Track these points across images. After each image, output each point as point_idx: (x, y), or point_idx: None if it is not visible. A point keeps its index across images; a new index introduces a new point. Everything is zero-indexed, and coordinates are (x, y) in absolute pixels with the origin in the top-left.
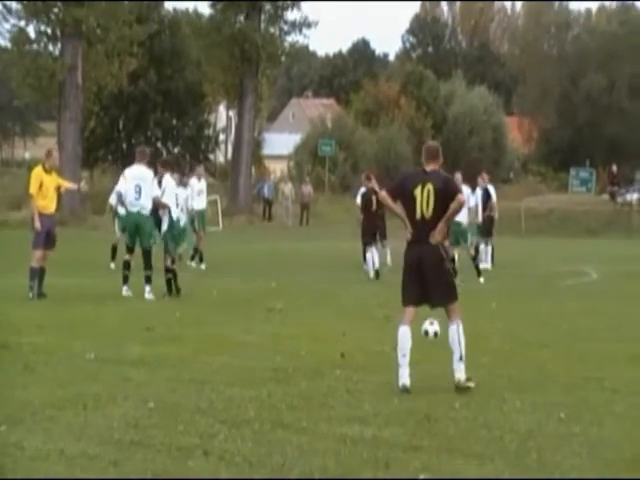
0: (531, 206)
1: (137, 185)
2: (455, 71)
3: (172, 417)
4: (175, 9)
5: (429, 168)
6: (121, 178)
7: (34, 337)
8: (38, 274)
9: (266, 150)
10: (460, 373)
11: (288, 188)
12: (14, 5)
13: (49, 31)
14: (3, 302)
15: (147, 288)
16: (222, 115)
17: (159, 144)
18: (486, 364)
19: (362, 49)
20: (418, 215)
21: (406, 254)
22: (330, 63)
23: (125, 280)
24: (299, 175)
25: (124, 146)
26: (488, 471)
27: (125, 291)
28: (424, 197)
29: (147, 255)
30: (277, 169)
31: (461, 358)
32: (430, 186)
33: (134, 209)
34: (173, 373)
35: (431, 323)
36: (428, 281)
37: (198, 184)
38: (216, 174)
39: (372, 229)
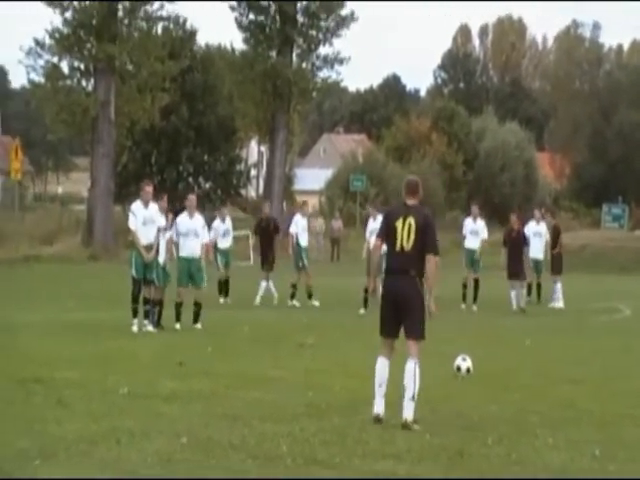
0: (564, 242)
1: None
2: (486, 107)
3: (204, 452)
4: (208, 44)
5: (410, 202)
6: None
7: (67, 371)
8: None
9: (297, 185)
10: (408, 412)
11: (319, 223)
12: (47, 41)
13: (82, 67)
14: (36, 337)
15: (145, 322)
16: (254, 150)
17: (190, 179)
18: (518, 400)
19: (393, 85)
20: (398, 247)
21: (384, 284)
22: (361, 99)
23: (133, 314)
24: (330, 210)
25: (156, 181)
26: None
27: (135, 326)
28: (405, 230)
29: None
30: (309, 204)
31: (413, 397)
32: (411, 220)
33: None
34: (206, 408)
35: (463, 359)
36: (402, 313)
37: (223, 225)
38: (247, 209)
39: None
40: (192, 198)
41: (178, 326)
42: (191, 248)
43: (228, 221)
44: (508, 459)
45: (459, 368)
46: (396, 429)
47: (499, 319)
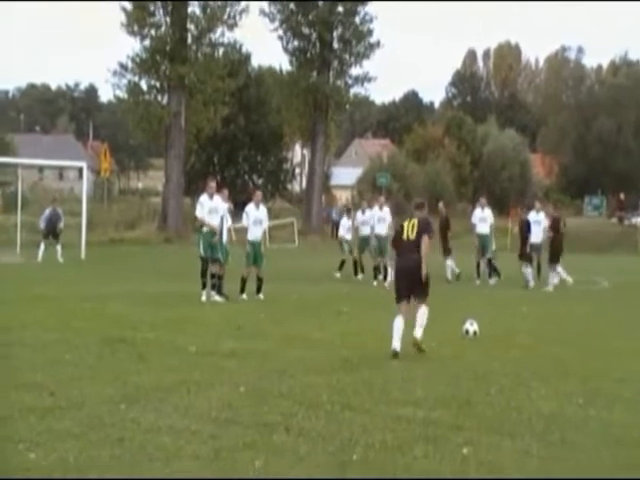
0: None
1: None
2: (489, 116)
3: (259, 399)
4: (260, 66)
5: (419, 215)
6: None
7: (146, 333)
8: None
9: (333, 181)
10: (418, 334)
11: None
12: (129, 64)
13: (158, 85)
14: (121, 304)
15: (212, 292)
16: (297, 152)
17: (246, 176)
18: (515, 357)
19: (412, 98)
20: (405, 237)
21: (397, 264)
22: (386, 110)
23: (203, 286)
24: (361, 202)
25: (218, 178)
26: (519, 446)
27: (204, 296)
28: (409, 226)
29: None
30: (342, 197)
31: (421, 325)
32: (415, 220)
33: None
34: (259, 363)
35: (471, 324)
36: (412, 283)
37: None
38: (292, 200)
39: None
40: (259, 193)
41: (244, 296)
42: (256, 234)
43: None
44: (507, 406)
45: (467, 331)
46: (415, 382)
47: (502, 291)
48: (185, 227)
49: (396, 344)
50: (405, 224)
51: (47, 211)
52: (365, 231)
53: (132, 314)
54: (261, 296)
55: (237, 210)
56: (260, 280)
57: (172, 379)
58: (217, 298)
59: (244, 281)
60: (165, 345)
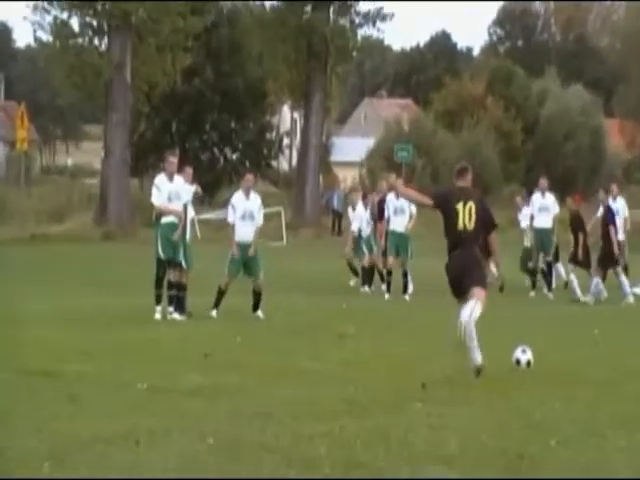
0: (637, 220)
1: None
2: (548, 67)
3: (233, 454)
4: None
5: (462, 184)
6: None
7: (80, 364)
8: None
9: (335, 156)
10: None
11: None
12: None
13: (95, 24)
14: (44, 326)
15: (170, 309)
16: (286, 117)
17: (216, 149)
18: (584, 396)
19: (442, 43)
20: (460, 227)
21: (450, 258)
22: (407, 58)
23: (157, 301)
24: (372, 184)
25: (177, 151)
26: None
27: (158, 313)
28: (466, 213)
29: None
30: (348, 177)
31: (471, 315)
32: (472, 204)
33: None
34: (234, 404)
35: (523, 351)
36: (466, 279)
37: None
38: (279, 183)
39: None
40: (249, 177)
41: (214, 313)
42: (247, 233)
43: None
44: (574, 465)
45: (518, 361)
46: (446, 430)
47: (563, 306)
48: (131, 219)
49: (477, 356)
50: (459, 207)
51: None
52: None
53: (60, 339)
54: (260, 314)
55: (205, 196)
56: (258, 295)
57: (115, 427)
58: (176, 316)
59: (221, 293)
60: (105, 381)
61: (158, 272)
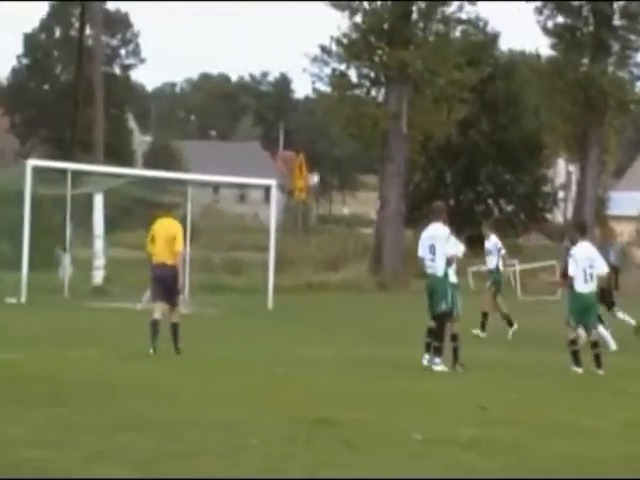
0: None
1: (431, 245)
2: None
3: None
4: (511, 50)
5: None
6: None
7: (354, 412)
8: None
9: (612, 210)
10: None
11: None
12: (334, 47)
13: (372, 75)
14: (321, 372)
15: (436, 360)
16: (561, 169)
17: (490, 201)
18: None
19: None
20: None
21: None
22: None
23: (427, 348)
24: None
25: (451, 203)
26: None
27: (425, 361)
28: None
29: (439, 322)
30: (624, 231)
31: None
32: None
33: (430, 271)
34: (510, 459)
35: None
36: None
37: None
38: (554, 236)
39: None
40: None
41: None
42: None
43: (494, 239)
44: None
45: None
46: None
47: None
48: (405, 269)
49: None
50: None
51: None
52: None
53: (335, 386)
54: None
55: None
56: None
57: (389, 476)
58: (440, 368)
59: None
60: (380, 430)
61: (438, 323)
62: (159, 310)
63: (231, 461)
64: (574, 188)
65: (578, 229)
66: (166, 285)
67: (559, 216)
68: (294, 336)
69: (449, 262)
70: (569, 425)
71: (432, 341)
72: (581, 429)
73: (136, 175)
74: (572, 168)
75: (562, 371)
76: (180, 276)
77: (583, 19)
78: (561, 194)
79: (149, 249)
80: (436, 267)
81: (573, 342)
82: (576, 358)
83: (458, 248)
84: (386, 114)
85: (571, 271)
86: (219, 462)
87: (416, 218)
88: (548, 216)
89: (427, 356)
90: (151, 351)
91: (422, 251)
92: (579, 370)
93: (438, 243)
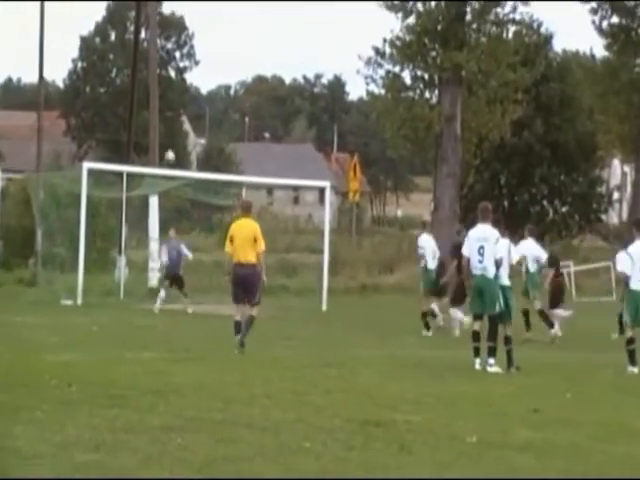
0: None
1: (481, 247)
2: None
3: None
4: (565, 51)
5: None
6: (465, 240)
7: (410, 415)
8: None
9: None
10: None
11: None
12: (387, 49)
13: (426, 77)
14: (375, 375)
15: (490, 361)
16: (616, 170)
17: (545, 202)
18: None
19: None
20: None
21: None
22: None
23: (476, 353)
24: None
25: (505, 204)
26: None
27: (477, 364)
28: None
29: (492, 323)
30: None
31: None
32: None
33: (478, 272)
34: (565, 462)
35: None
36: None
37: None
38: (609, 237)
39: None
40: None
41: None
42: None
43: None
44: None
45: None
46: None
47: None
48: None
49: None
50: None
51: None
52: None
53: (390, 388)
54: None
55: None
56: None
57: (446, 477)
58: (495, 369)
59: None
60: (435, 432)
61: (492, 326)
62: (239, 312)
63: (286, 464)
64: (629, 189)
65: (636, 226)
66: (245, 284)
67: (614, 217)
68: (347, 338)
69: (497, 265)
70: (624, 426)
71: (479, 345)
72: (637, 430)
73: (191, 177)
74: (627, 169)
75: (617, 372)
76: (263, 275)
77: (638, 19)
78: (616, 195)
79: (227, 249)
80: (485, 268)
81: (630, 341)
82: (632, 358)
83: (512, 255)
84: (440, 116)
85: (627, 270)
86: (274, 465)
87: (471, 220)
88: (603, 217)
89: (478, 360)
90: (236, 351)
91: (468, 250)
92: (635, 370)
93: (487, 245)
